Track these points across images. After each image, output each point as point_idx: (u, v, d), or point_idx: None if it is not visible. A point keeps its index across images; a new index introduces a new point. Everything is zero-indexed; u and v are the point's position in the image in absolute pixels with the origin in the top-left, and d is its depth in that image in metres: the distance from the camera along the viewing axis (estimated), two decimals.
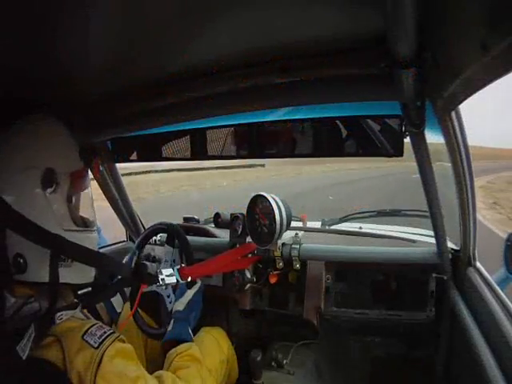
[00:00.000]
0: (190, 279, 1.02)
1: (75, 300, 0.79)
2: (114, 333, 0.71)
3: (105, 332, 0.69)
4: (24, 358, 0.61)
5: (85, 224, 0.80)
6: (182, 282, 1.01)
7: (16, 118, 0.76)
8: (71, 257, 0.72)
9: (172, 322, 1.00)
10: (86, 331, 0.68)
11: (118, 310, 1.09)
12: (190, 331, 1.00)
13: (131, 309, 1.18)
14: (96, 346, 0.66)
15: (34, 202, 0.70)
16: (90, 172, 0.88)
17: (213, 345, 1.19)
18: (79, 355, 0.65)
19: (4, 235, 0.66)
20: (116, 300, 1.11)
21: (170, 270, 0.99)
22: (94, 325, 0.70)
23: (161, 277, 0.95)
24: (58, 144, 0.77)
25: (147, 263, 0.93)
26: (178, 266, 1.01)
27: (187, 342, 0.95)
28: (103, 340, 0.68)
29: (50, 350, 0.66)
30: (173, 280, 0.98)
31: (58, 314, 0.71)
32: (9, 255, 0.68)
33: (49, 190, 0.72)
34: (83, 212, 0.81)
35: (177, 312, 1.02)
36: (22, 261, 0.68)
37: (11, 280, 0.68)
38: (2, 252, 0.66)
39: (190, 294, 1.06)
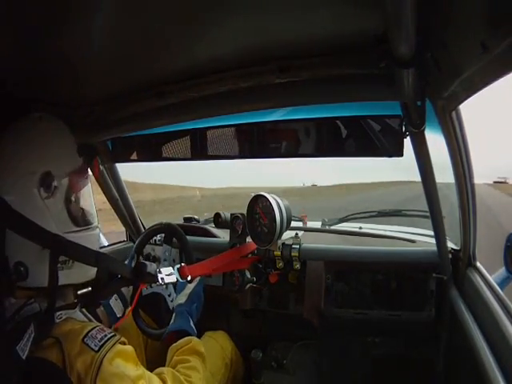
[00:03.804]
0: (189, 278, 1.02)
1: (75, 300, 0.79)
2: (114, 335, 0.70)
3: (105, 335, 0.69)
4: (24, 357, 0.61)
5: (85, 222, 0.79)
6: (181, 280, 1.01)
7: (15, 118, 0.76)
8: (71, 256, 0.72)
9: (174, 315, 1.01)
10: (87, 334, 0.67)
11: (118, 315, 1.10)
12: (193, 324, 1.00)
13: (133, 314, 1.18)
14: (96, 349, 0.66)
15: (33, 207, 0.69)
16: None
17: (215, 349, 1.19)
18: (79, 358, 0.65)
19: (4, 234, 0.66)
20: (116, 305, 1.12)
21: (169, 269, 0.99)
22: (94, 327, 0.69)
23: (160, 276, 0.95)
24: (55, 146, 0.75)
25: (147, 263, 0.93)
26: (178, 266, 1.01)
27: (188, 333, 0.95)
28: (104, 343, 0.67)
29: (50, 351, 0.65)
30: (173, 279, 0.98)
31: (58, 313, 0.71)
32: (10, 263, 0.67)
33: (47, 195, 0.71)
34: (83, 209, 0.79)
35: (178, 305, 1.03)
36: (22, 269, 0.68)
37: (13, 287, 0.68)
38: (3, 260, 0.66)
39: (190, 286, 1.07)
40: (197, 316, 1.05)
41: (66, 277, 0.72)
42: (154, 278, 0.94)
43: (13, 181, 0.69)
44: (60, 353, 0.65)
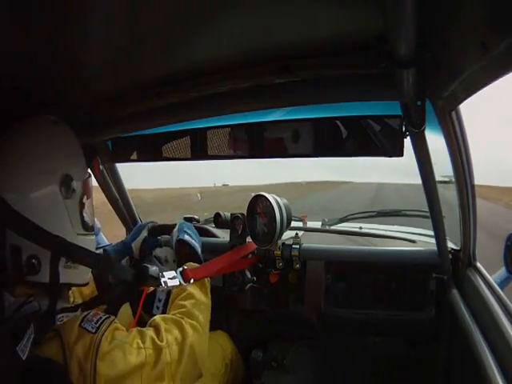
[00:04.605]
0: (192, 281, 1.01)
1: (74, 302, 0.79)
2: (109, 317, 0.72)
3: (101, 317, 0.70)
4: (24, 358, 0.61)
5: (91, 227, 0.81)
6: (184, 284, 1.00)
7: (16, 118, 0.76)
8: (72, 258, 0.72)
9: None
10: (83, 319, 0.69)
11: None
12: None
13: (132, 312, 1.17)
14: (94, 331, 0.67)
15: (54, 206, 0.71)
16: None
17: (215, 349, 1.19)
18: (79, 343, 0.66)
19: (4, 235, 0.66)
20: None
21: (172, 273, 0.97)
22: (89, 312, 0.71)
23: (163, 279, 0.95)
24: (73, 152, 0.78)
25: (148, 265, 0.92)
26: (181, 269, 1.00)
27: (195, 250, 1.05)
28: (100, 324, 0.69)
29: (49, 345, 0.66)
30: (176, 283, 0.96)
31: (59, 315, 0.71)
32: (23, 256, 0.68)
33: (67, 195, 0.73)
34: (91, 214, 0.82)
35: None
36: (36, 262, 0.68)
37: (22, 281, 0.69)
38: (16, 252, 0.67)
39: (174, 233, 1.13)
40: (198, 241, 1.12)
41: (70, 276, 0.73)
42: (156, 281, 0.93)
43: (32, 181, 0.70)
44: (59, 343, 0.65)
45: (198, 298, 0.88)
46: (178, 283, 0.96)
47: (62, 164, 0.74)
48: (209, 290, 0.97)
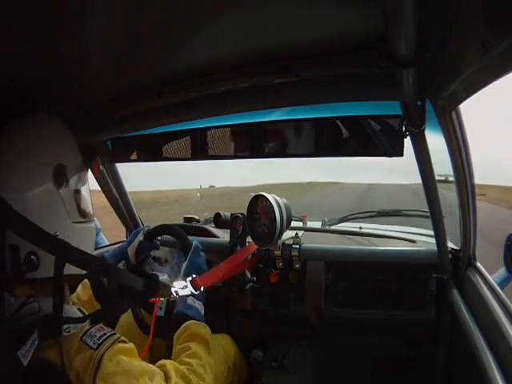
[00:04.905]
0: (202, 289, 1.00)
1: (75, 305, 0.78)
2: (114, 334, 0.70)
3: (105, 333, 0.68)
4: (25, 364, 0.60)
5: (88, 214, 0.81)
6: (195, 292, 0.98)
7: (16, 117, 0.76)
8: (76, 265, 0.70)
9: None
10: (86, 332, 0.67)
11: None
12: (197, 304, 0.99)
13: (133, 312, 1.17)
14: (95, 347, 0.66)
15: (48, 197, 0.72)
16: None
17: (218, 352, 1.18)
18: (78, 357, 0.64)
19: (4, 236, 0.66)
20: None
21: (183, 283, 0.97)
22: (94, 326, 0.69)
23: (174, 289, 0.94)
24: (65, 141, 0.79)
25: (159, 274, 0.91)
26: (190, 278, 0.99)
27: (188, 315, 0.96)
28: (103, 341, 0.67)
29: (48, 351, 0.65)
30: (187, 292, 0.95)
31: (65, 326, 0.69)
32: (21, 254, 0.67)
33: (61, 185, 0.74)
34: (87, 201, 0.83)
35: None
36: (34, 258, 0.68)
37: (22, 280, 0.68)
38: (15, 251, 0.67)
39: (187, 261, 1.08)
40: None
41: (71, 267, 0.71)
42: (167, 290, 0.92)
43: (30, 175, 0.71)
44: (59, 351, 0.64)
45: (204, 358, 0.86)
46: (189, 292, 0.95)
47: (56, 155, 0.75)
48: (211, 348, 0.94)
